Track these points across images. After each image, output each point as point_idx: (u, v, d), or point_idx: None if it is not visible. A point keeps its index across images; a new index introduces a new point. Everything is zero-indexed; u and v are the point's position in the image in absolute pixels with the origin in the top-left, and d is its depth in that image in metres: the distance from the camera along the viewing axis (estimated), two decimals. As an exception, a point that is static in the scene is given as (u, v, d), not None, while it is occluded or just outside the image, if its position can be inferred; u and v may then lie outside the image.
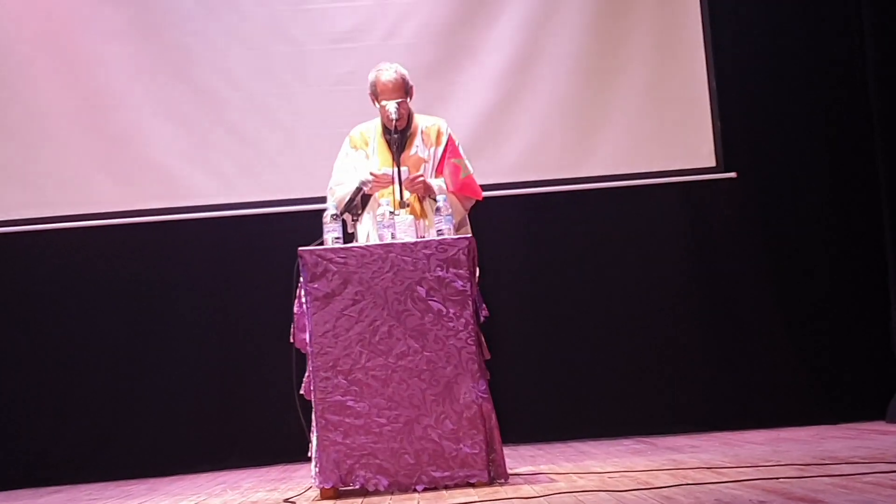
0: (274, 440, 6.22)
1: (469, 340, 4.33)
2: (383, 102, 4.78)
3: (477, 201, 4.93)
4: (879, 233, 6.33)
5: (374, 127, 4.93)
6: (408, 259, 4.37)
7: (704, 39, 6.48)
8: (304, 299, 4.41)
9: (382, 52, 5.92)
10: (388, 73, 4.81)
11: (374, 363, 4.33)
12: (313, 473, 4.37)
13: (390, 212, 4.51)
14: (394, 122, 4.72)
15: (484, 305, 4.46)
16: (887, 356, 6.24)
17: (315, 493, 4.42)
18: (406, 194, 4.67)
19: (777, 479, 3.69)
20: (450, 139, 4.89)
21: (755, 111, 6.54)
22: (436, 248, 4.39)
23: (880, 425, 5.82)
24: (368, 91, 4.87)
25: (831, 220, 6.48)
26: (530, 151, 6.46)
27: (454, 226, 4.55)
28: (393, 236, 4.46)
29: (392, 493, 4.26)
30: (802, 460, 4.22)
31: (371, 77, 4.85)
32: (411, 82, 4.86)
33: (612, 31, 6.48)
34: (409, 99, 4.83)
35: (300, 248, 4.41)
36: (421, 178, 4.74)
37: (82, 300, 6.43)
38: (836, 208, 6.49)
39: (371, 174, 4.72)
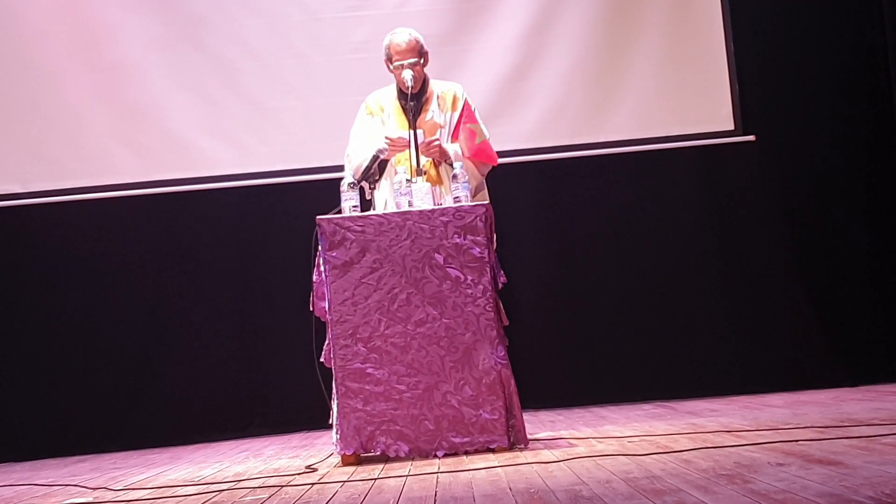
0: (295, 408, 6.28)
1: (487, 307, 4.34)
2: (397, 63, 4.77)
3: (493, 167, 4.93)
4: (899, 194, 6.30)
5: (389, 93, 4.92)
6: (425, 226, 4.38)
7: (722, 1, 6.43)
8: (322, 268, 4.42)
9: (397, 19, 5.91)
10: (401, 35, 4.81)
11: (392, 330, 4.35)
12: (334, 440, 4.40)
13: (407, 179, 4.51)
14: (409, 87, 4.71)
15: (502, 272, 4.46)
16: (907, 318, 6.23)
17: (336, 459, 4.45)
18: (423, 160, 4.66)
19: (796, 441, 3.69)
20: (466, 104, 4.88)
21: (773, 73, 6.49)
22: (453, 215, 4.39)
23: (900, 387, 5.82)
24: (383, 57, 4.86)
25: (850, 182, 6.45)
26: (547, 117, 6.44)
27: (471, 191, 4.55)
28: (410, 204, 4.46)
29: (413, 459, 4.29)
30: (822, 423, 4.23)
31: (385, 41, 4.85)
32: (426, 47, 4.85)
33: (629, -5, 6.45)
34: (423, 63, 4.82)
35: (318, 217, 4.42)
36: (437, 143, 4.74)
37: (102, 271, 6.47)
38: (854, 170, 6.45)
39: (386, 138, 4.72)
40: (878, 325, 6.36)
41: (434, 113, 4.86)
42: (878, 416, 4.32)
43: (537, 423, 5.35)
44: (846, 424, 4.08)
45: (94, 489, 4.24)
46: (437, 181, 4.72)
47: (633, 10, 6.44)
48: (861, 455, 3.23)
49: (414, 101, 4.76)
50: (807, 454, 3.36)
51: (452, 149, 4.79)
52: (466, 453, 4.30)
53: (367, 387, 4.33)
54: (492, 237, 4.45)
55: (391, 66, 4.83)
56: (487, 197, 4.81)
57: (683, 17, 6.45)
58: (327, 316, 4.41)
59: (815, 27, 6.50)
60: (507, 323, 4.46)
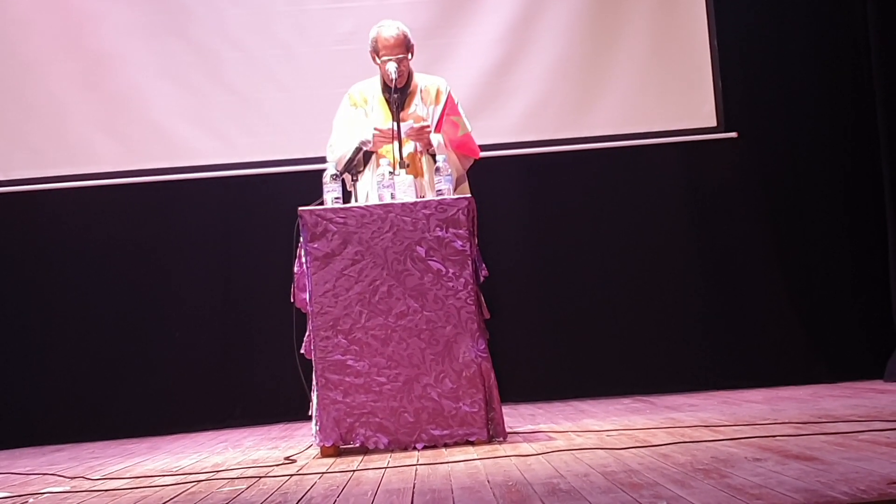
0: (275, 399, 6.27)
1: (468, 300, 4.35)
2: (384, 58, 4.76)
3: (476, 160, 4.93)
4: (880, 193, 6.32)
5: (373, 85, 4.91)
6: (407, 219, 4.38)
7: (706, -1, 6.45)
8: (304, 259, 4.42)
9: (382, 11, 5.88)
10: (389, 29, 4.78)
11: (373, 322, 4.35)
12: (314, 432, 4.40)
13: (390, 171, 4.51)
14: (394, 81, 4.71)
15: (483, 265, 4.47)
16: (886, 316, 6.26)
17: (316, 451, 4.45)
18: (406, 150, 4.64)
19: (774, 437, 3.71)
20: (449, 97, 4.87)
21: (756, 71, 6.51)
22: (435, 208, 4.39)
23: (878, 384, 5.85)
24: (369, 48, 4.84)
25: (832, 179, 6.48)
26: (531, 111, 6.45)
27: (452, 184, 4.55)
28: (393, 196, 4.46)
29: (392, 451, 4.29)
30: (799, 418, 4.25)
31: (372, 33, 4.83)
32: (413, 40, 4.84)
33: (614, -10, 6.46)
34: (409, 57, 4.81)
35: (300, 208, 4.41)
36: (428, 129, 4.73)
37: (83, 260, 6.45)
38: (836, 168, 6.48)
39: (375, 129, 4.71)
40: (858, 321, 6.39)
41: (417, 106, 4.85)
42: (855, 412, 4.35)
43: (517, 417, 5.36)
44: (823, 420, 4.11)
45: (72, 478, 4.23)
46: (419, 174, 4.71)
47: (618, 5, 6.45)
48: (837, 451, 3.25)
49: (398, 93, 4.75)
50: (784, 449, 3.38)
51: (436, 139, 4.78)
52: (446, 446, 4.31)
53: (347, 378, 4.33)
54: (474, 230, 4.45)
55: (377, 59, 4.81)
56: (468, 190, 4.81)
57: (668, 13, 6.46)
58: (308, 307, 4.40)
59: (798, 25, 6.52)
60: (487, 316, 4.47)
